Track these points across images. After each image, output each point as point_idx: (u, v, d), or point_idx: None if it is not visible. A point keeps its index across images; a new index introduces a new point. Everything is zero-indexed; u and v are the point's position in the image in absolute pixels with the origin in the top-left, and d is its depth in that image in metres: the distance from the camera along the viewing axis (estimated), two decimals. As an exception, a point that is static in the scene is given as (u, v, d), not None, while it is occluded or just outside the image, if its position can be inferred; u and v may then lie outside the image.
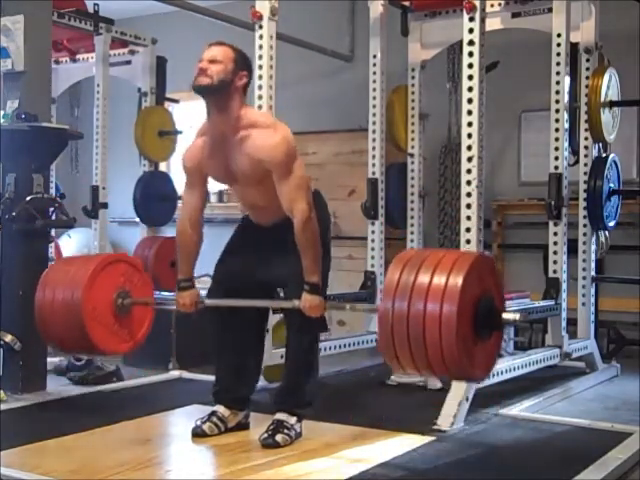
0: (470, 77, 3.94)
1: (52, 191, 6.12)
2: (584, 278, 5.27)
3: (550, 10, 4.94)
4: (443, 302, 2.67)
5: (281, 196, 3.23)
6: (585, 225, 5.23)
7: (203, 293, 3.53)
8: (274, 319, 4.16)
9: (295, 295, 3.23)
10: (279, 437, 3.27)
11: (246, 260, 3.43)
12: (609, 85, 5.09)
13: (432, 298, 2.69)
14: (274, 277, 3.39)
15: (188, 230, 3.45)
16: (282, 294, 3.45)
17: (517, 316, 2.89)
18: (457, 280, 2.69)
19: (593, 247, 5.28)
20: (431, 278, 2.73)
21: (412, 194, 5.71)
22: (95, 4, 6.13)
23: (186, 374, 4.75)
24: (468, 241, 3.91)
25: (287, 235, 3.24)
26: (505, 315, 2.88)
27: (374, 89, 5.31)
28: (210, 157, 3.34)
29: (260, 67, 4.20)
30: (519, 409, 4.06)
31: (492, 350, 2.95)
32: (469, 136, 3.94)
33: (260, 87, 4.22)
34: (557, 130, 4.86)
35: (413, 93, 5.66)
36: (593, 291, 5.33)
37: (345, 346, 4.92)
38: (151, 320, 3.74)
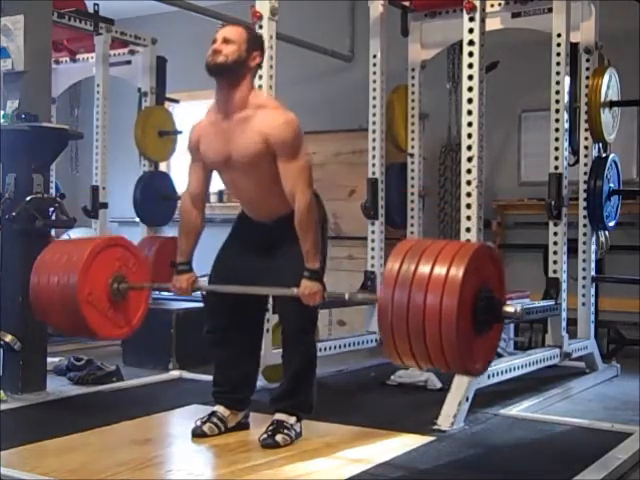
0: (470, 77, 3.94)
1: (52, 191, 6.12)
2: (584, 278, 5.27)
3: (550, 10, 4.94)
4: (443, 294, 2.64)
5: (284, 178, 3.20)
6: (585, 225, 5.24)
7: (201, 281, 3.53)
8: (274, 319, 4.16)
9: (294, 313, 3.23)
10: (279, 437, 3.27)
11: (243, 264, 3.41)
12: (609, 85, 5.09)
13: (432, 290, 2.66)
14: (270, 279, 3.39)
15: (191, 210, 3.44)
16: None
17: (518, 308, 2.86)
18: (458, 272, 2.65)
19: (593, 247, 5.28)
20: (432, 269, 2.69)
21: (412, 194, 5.71)
22: (95, 4, 6.13)
23: (186, 374, 4.75)
24: (468, 241, 3.90)
25: (283, 234, 3.23)
26: (506, 308, 2.86)
27: (374, 89, 5.30)
28: (210, 137, 3.32)
29: (260, 67, 4.19)
30: (519, 409, 4.06)
31: (492, 343, 2.92)
32: (469, 136, 3.94)
33: (260, 87, 4.22)
34: (557, 130, 4.86)
35: (413, 93, 5.66)
36: (593, 291, 5.34)
37: (345, 346, 4.92)
38: (147, 305, 3.71)
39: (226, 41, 3.23)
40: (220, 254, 3.53)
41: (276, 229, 3.33)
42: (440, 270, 2.68)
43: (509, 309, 2.85)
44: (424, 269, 2.71)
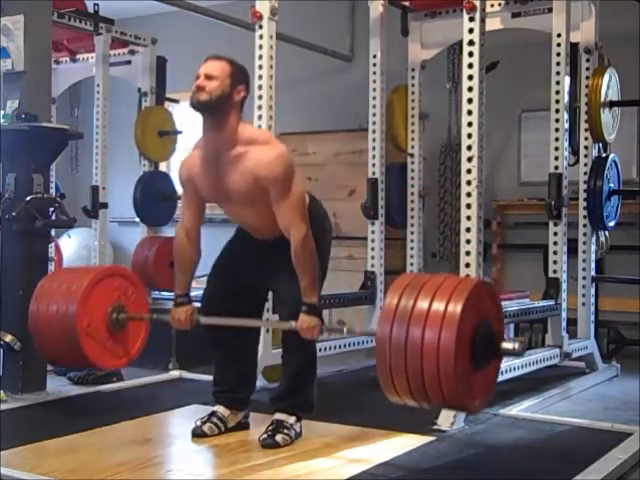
0: (470, 77, 3.93)
1: (52, 191, 6.12)
2: (584, 278, 5.27)
3: (550, 10, 4.94)
4: (442, 329, 2.65)
5: (278, 214, 3.19)
6: (585, 225, 5.24)
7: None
8: (274, 319, 4.16)
9: (292, 314, 3.22)
10: (279, 437, 3.27)
11: (243, 266, 3.43)
12: (609, 85, 5.09)
13: (431, 325, 2.67)
14: (269, 286, 3.42)
15: (186, 245, 3.42)
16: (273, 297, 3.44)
17: (517, 345, 2.86)
18: (456, 307, 2.66)
19: (593, 247, 5.29)
20: (430, 304, 2.71)
21: (412, 194, 5.71)
22: (95, 4, 6.13)
23: (186, 374, 4.75)
24: (468, 241, 3.90)
25: (285, 249, 3.22)
26: (504, 344, 2.86)
27: (374, 89, 5.30)
28: (203, 174, 3.29)
29: (260, 67, 4.20)
30: (519, 409, 4.06)
31: (490, 379, 2.93)
32: (469, 136, 3.93)
33: (260, 87, 4.22)
34: (557, 130, 4.86)
35: (413, 93, 5.67)
36: (593, 291, 5.34)
37: (345, 346, 4.92)
38: (146, 335, 3.73)
39: (209, 77, 3.17)
40: (220, 259, 3.53)
41: (276, 245, 3.31)
42: (438, 305, 2.69)
43: (508, 345, 2.85)
44: (422, 304, 2.72)
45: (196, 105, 3.18)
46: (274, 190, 3.16)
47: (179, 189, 6.43)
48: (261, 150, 3.18)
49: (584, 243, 5.26)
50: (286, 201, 3.16)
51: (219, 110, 3.17)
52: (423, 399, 2.78)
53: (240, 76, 3.25)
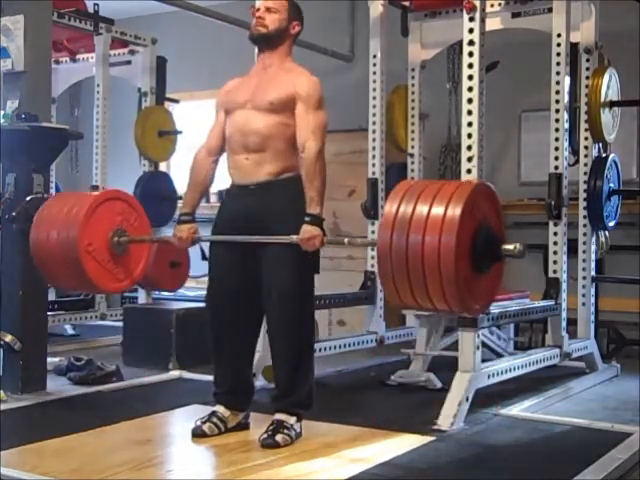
0: (470, 77, 3.94)
1: (52, 191, 6.12)
2: (584, 278, 5.27)
3: (550, 10, 4.94)
4: (441, 233, 2.66)
5: (300, 125, 3.32)
6: (585, 225, 5.23)
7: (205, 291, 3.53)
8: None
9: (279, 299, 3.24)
10: (279, 437, 3.27)
11: (233, 258, 3.42)
12: (609, 85, 5.09)
13: (430, 229, 2.68)
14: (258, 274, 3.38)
15: (205, 161, 3.52)
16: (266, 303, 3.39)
17: (517, 245, 2.86)
18: (455, 211, 2.67)
19: (593, 247, 5.28)
20: (429, 209, 2.71)
21: (412, 194, 5.70)
22: (95, 4, 6.13)
23: (186, 374, 4.75)
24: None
25: (271, 204, 3.28)
26: (505, 246, 2.86)
27: (374, 89, 5.30)
28: (241, 84, 3.50)
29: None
30: (519, 409, 4.06)
31: (492, 283, 2.92)
32: (469, 136, 3.93)
33: (260, 87, 4.21)
34: (557, 130, 4.86)
35: (413, 93, 5.66)
36: (593, 291, 5.33)
37: (345, 346, 4.92)
38: (148, 258, 3.76)
39: (268, 9, 3.43)
40: (211, 255, 3.54)
41: (263, 199, 3.32)
42: (438, 210, 2.70)
43: (508, 246, 2.86)
44: (422, 210, 2.73)
45: (256, 38, 3.47)
46: (305, 102, 3.34)
47: (179, 189, 6.48)
48: (304, 73, 3.44)
49: (584, 243, 5.25)
50: (312, 114, 3.33)
51: (276, 42, 3.44)
52: (426, 302, 2.79)
53: (296, 12, 3.52)
